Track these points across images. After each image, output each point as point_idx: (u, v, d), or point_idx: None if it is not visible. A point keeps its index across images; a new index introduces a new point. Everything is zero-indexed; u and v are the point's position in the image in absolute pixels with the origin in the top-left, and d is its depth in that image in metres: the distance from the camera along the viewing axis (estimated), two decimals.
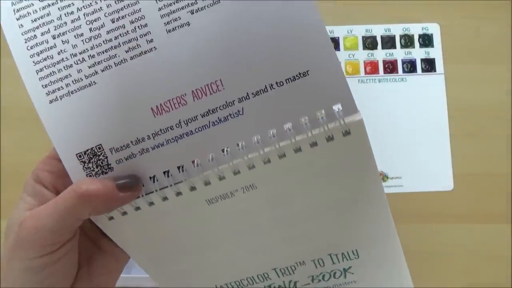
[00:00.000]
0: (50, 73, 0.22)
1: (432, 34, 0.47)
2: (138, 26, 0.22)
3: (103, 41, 0.22)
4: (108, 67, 0.22)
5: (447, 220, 0.45)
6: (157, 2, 0.21)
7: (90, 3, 0.22)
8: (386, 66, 0.47)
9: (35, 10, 0.22)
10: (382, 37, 0.47)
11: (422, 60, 0.47)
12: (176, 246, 0.25)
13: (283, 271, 0.26)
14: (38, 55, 0.22)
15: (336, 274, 0.26)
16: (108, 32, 0.22)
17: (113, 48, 0.22)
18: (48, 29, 0.22)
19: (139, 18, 0.22)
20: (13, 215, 0.23)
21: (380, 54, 0.47)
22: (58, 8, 0.22)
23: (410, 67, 0.47)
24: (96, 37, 0.22)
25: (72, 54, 0.22)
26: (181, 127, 0.22)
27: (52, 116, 0.22)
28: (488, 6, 0.47)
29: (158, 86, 0.22)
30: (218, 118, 0.22)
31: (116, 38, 0.22)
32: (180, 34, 0.21)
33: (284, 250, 0.25)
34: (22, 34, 0.22)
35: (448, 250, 0.44)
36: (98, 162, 0.23)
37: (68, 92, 0.22)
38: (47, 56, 0.22)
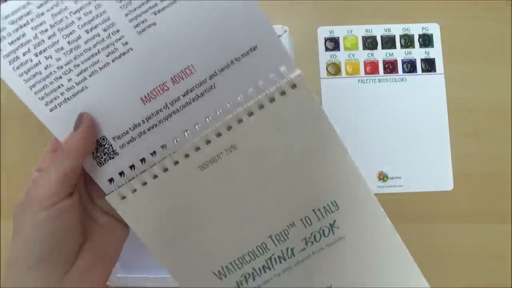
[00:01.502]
0: (43, 86, 0.25)
1: (432, 34, 0.47)
2: (112, 33, 0.25)
3: (84, 50, 0.25)
4: (94, 72, 0.26)
5: (447, 220, 0.45)
6: (122, 9, 0.25)
7: (61, 19, 0.25)
8: (386, 66, 0.47)
9: (9, 33, 0.25)
10: (382, 37, 0.47)
11: (422, 60, 0.47)
12: (181, 222, 0.28)
13: (278, 238, 0.29)
14: (26, 73, 0.25)
15: (325, 232, 0.29)
16: (86, 42, 0.25)
17: (95, 54, 0.25)
18: (28, 49, 0.25)
19: (111, 25, 0.25)
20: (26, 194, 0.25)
21: (380, 54, 0.47)
22: (32, 28, 0.25)
23: (410, 67, 0.47)
24: (76, 48, 0.25)
25: (58, 66, 0.25)
26: (168, 108, 0.27)
27: (56, 122, 0.26)
28: (488, 6, 0.47)
29: (142, 79, 0.26)
30: (196, 95, 0.27)
31: (94, 46, 0.25)
32: (150, 34, 0.26)
33: (273, 213, 0.28)
34: (4, 57, 0.25)
35: (448, 250, 0.44)
36: (104, 150, 0.27)
37: (65, 99, 0.26)
38: (36, 73, 0.25)
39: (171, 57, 0.26)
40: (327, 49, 0.47)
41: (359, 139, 0.46)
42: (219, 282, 0.29)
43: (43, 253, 0.24)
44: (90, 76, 0.26)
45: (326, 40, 0.47)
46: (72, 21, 0.25)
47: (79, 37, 0.25)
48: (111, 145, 0.27)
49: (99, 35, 0.25)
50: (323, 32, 0.48)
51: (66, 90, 0.26)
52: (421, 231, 0.45)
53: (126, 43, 0.26)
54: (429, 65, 0.47)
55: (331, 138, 0.28)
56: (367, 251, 0.30)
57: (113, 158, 0.27)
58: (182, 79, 0.26)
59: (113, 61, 0.26)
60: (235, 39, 0.26)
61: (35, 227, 0.24)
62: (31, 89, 0.26)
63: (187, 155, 0.27)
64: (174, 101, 0.27)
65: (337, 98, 0.46)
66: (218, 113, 0.27)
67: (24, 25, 0.25)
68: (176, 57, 0.26)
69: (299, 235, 0.29)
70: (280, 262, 0.29)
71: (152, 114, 0.27)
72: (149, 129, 0.27)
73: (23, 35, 0.25)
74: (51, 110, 0.26)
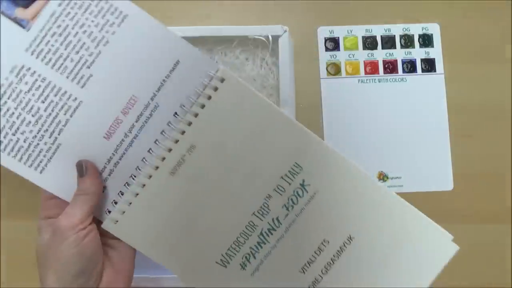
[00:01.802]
0: (28, 156, 0.31)
1: (432, 34, 0.47)
2: (61, 95, 0.31)
3: (46, 117, 0.31)
4: (61, 130, 0.31)
5: (447, 220, 0.45)
6: (62, 74, 0.31)
7: (21, 100, 0.31)
8: (386, 66, 0.47)
9: None
10: (382, 37, 0.47)
11: (422, 60, 0.47)
12: (172, 226, 0.31)
13: (261, 212, 0.31)
14: (12, 151, 0.31)
15: (299, 192, 0.31)
16: (45, 110, 0.31)
17: (56, 117, 0.31)
18: (7, 132, 0.31)
19: (58, 90, 0.31)
20: (39, 242, 0.31)
21: (380, 54, 0.47)
22: (3, 115, 0.31)
23: (410, 67, 0.47)
24: (40, 117, 0.31)
25: (33, 136, 0.31)
26: (128, 136, 0.32)
27: (48, 180, 0.31)
28: (488, 6, 0.47)
29: (99, 121, 0.31)
30: (146, 117, 0.32)
31: (53, 110, 0.31)
32: (90, 84, 0.31)
33: (248, 192, 0.31)
34: None
35: None
36: None
37: (48, 159, 0.31)
38: (19, 148, 0.31)
39: (114, 95, 0.31)
40: (327, 49, 0.47)
41: (359, 139, 0.46)
42: (225, 270, 0.31)
43: (82, 266, 0.29)
44: (59, 134, 0.31)
45: (326, 40, 0.48)
46: (29, 99, 0.31)
47: (39, 109, 0.31)
48: None
49: (53, 101, 0.31)
50: (323, 32, 0.48)
51: (46, 152, 0.31)
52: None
53: (75, 99, 0.31)
54: (429, 65, 0.47)
55: (271, 111, 0.31)
56: (347, 199, 0.32)
57: (102, 191, 0.32)
58: (130, 109, 0.32)
59: (71, 116, 0.31)
60: (159, 61, 0.31)
61: (73, 245, 0.29)
62: (19, 161, 0.31)
63: (157, 167, 0.31)
64: (130, 129, 0.32)
65: (337, 98, 0.46)
66: (169, 124, 0.32)
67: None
68: (119, 93, 0.31)
69: (278, 204, 0.31)
70: (272, 234, 0.31)
71: (117, 145, 0.32)
72: (120, 158, 0.32)
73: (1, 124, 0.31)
74: (40, 172, 0.31)
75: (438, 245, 0.32)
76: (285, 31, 0.41)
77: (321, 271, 0.31)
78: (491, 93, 0.46)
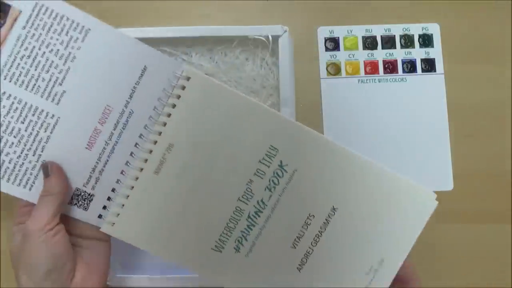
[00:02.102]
0: (15, 176, 0.33)
1: (432, 34, 0.47)
2: (39, 114, 0.33)
3: (28, 136, 0.33)
4: (43, 147, 0.33)
5: (447, 220, 0.45)
6: (36, 94, 0.32)
7: (1, 124, 0.32)
8: (386, 66, 0.47)
9: None
10: (382, 37, 0.47)
11: (422, 60, 0.47)
12: (165, 221, 0.33)
13: (246, 197, 0.33)
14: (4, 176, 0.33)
15: (279, 173, 0.33)
16: (26, 129, 0.33)
17: (36, 135, 0.33)
18: None
19: (35, 109, 0.33)
20: (11, 246, 0.32)
21: (380, 54, 0.47)
22: None
23: (410, 67, 0.47)
24: (21, 137, 0.33)
25: (18, 156, 0.33)
26: (108, 144, 0.34)
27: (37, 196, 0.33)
28: (488, 6, 0.47)
29: (79, 133, 0.33)
30: (123, 124, 0.34)
31: (33, 129, 0.33)
32: (65, 100, 0.33)
33: (231, 180, 0.33)
34: None
35: (448, 250, 0.44)
36: (83, 197, 0.34)
37: (35, 176, 0.33)
38: (6, 169, 0.33)
39: (89, 107, 0.33)
40: (327, 49, 0.47)
41: (359, 139, 0.46)
42: (221, 255, 0.33)
43: (52, 263, 0.31)
44: (42, 151, 0.33)
45: (326, 40, 0.48)
46: (9, 121, 0.32)
47: (19, 129, 0.33)
48: (85, 191, 0.34)
49: (32, 120, 0.33)
50: (323, 32, 0.48)
51: (32, 169, 0.33)
52: (421, 231, 0.45)
53: (53, 116, 0.33)
54: (429, 65, 0.47)
55: (239, 100, 0.33)
56: (326, 173, 0.33)
57: (92, 200, 0.34)
58: (106, 118, 0.33)
59: (51, 132, 0.33)
60: (128, 70, 0.33)
61: (41, 246, 0.30)
62: (7, 181, 0.33)
63: (141, 169, 0.33)
64: (110, 137, 0.34)
65: (337, 98, 0.46)
66: (146, 128, 0.34)
67: None
68: (93, 105, 0.33)
69: (261, 187, 0.33)
70: (259, 216, 0.33)
71: (100, 154, 0.34)
72: (104, 165, 0.34)
73: None
74: (30, 189, 0.33)
75: (419, 202, 0.33)
76: (285, 31, 0.41)
77: (311, 244, 0.33)
78: (491, 93, 0.46)
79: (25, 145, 0.33)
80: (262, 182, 0.33)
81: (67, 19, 0.32)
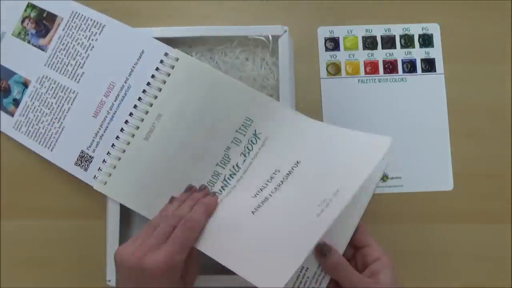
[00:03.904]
0: (40, 135, 0.44)
1: (432, 34, 0.47)
2: (65, 90, 0.44)
3: (56, 106, 0.44)
4: (65, 116, 0.43)
5: (447, 220, 0.45)
6: (64, 75, 0.44)
7: (42, 99, 0.44)
8: (386, 66, 0.47)
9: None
10: (382, 37, 0.47)
11: (422, 60, 0.47)
12: (154, 181, 0.39)
13: (223, 162, 0.39)
14: (33, 138, 0.44)
15: (253, 140, 0.39)
16: (55, 103, 0.44)
17: (62, 107, 0.44)
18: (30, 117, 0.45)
19: (63, 87, 0.44)
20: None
21: (380, 54, 0.47)
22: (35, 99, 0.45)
23: (410, 67, 0.47)
24: (50, 107, 0.44)
25: (46, 120, 0.44)
26: (109, 113, 0.42)
27: (56, 156, 0.43)
28: (488, 6, 0.47)
29: (88, 104, 0.43)
30: (122, 96, 0.42)
31: (60, 102, 0.44)
32: (84, 79, 0.43)
33: (211, 147, 0.39)
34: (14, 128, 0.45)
35: (447, 250, 0.44)
36: (85, 159, 0.42)
37: (56, 139, 0.43)
38: (40, 133, 0.44)
39: (99, 84, 0.42)
40: (327, 49, 0.47)
41: None
42: None
43: None
44: (63, 119, 0.43)
45: (326, 40, 0.48)
46: (46, 97, 0.44)
47: (52, 103, 0.44)
48: (87, 153, 0.42)
49: (60, 96, 0.44)
50: (323, 32, 0.48)
51: (55, 134, 0.43)
52: (421, 231, 0.45)
53: (74, 91, 0.43)
54: (429, 65, 0.47)
55: (220, 78, 0.39)
56: (292, 137, 0.37)
57: (91, 161, 0.42)
58: (110, 91, 0.42)
59: (71, 104, 0.43)
60: (129, 53, 0.42)
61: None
62: (38, 143, 0.44)
63: (133, 135, 0.40)
64: (111, 107, 0.42)
65: (337, 98, 0.46)
66: (140, 100, 0.41)
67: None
68: (102, 82, 0.42)
69: (237, 152, 0.39)
70: (233, 178, 0.38)
71: (102, 121, 0.42)
72: (104, 131, 0.42)
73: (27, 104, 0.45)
74: (51, 150, 0.43)
75: (374, 143, 0.33)
76: (285, 31, 0.41)
77: (271, 192, 0.35)
78: (491, 93, 0.46)
79: (54, 115, 0.43)
80: (238, 149, 0.38)
81: (90, 19, 0.44)
